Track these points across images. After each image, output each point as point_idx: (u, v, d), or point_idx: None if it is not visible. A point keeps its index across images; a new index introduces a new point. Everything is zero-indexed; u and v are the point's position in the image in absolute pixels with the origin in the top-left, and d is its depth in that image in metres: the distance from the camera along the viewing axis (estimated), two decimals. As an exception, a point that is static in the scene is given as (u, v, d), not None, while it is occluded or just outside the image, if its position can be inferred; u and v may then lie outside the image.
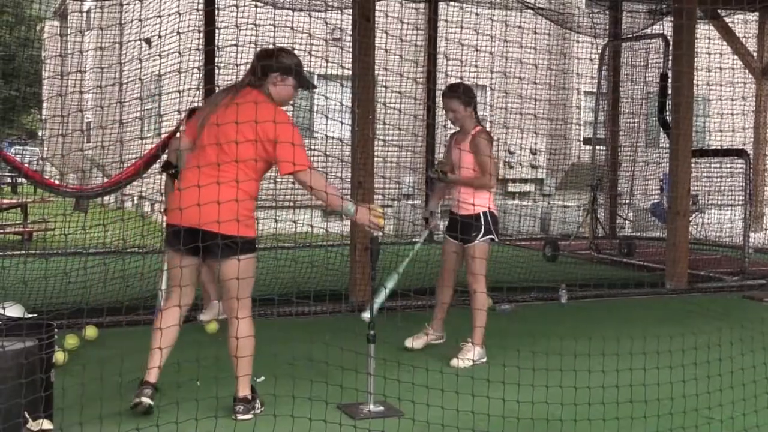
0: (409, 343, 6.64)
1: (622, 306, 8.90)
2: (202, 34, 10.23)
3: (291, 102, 5.35)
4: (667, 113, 11.17)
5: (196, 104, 8.10)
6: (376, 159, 8.46)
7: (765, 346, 6.52)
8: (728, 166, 12.68)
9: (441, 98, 6.45)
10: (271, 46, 5.39)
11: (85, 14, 21.30)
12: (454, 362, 6.18)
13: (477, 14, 9.42)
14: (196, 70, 10.11)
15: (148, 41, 14.56)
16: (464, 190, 6.29)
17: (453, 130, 6.66)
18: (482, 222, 6.23)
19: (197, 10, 10.84)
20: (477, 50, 7.82)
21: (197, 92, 10.24)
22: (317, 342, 6.19)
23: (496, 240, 6.37)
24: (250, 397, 4.93)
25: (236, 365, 4.89)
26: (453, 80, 6.96)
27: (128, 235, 11.07)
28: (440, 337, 6.73)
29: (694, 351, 5.40)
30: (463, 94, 6.30)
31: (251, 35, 8.49)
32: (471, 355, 6.24)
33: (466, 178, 6.29)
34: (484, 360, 6.28)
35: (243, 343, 4.86)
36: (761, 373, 5.46)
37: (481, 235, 6.24)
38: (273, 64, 4.99)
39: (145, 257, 9.45)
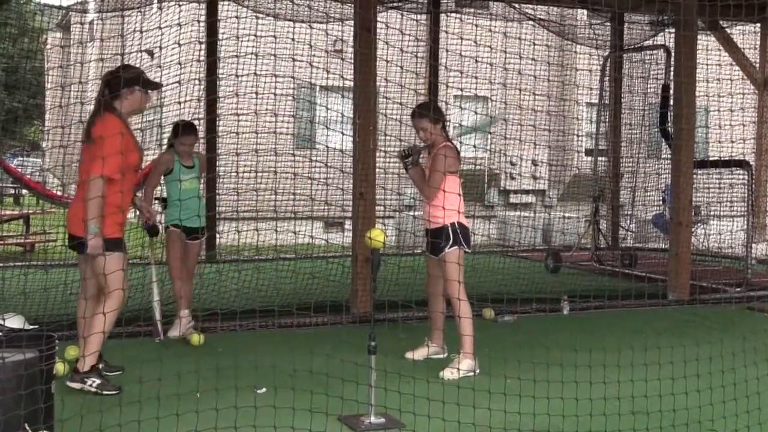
0: (410, 354, 6.63)
1: (624, 317, 8.87)
2: (203, 45, 10.26)
3: (147, 106, 6.05)
4: (669, 124, 11.16)
5: (180, 120, 8.00)
6: (377, 170, 8.46)
7: (768, 357, 6.51)
8: (730, 176, 12.64)
9: (411, 119, 6.56)
10: (113, 68, 5.92)
11: (87, 26, 21.34)
12: (441, 374, 6.11)
13: (478, 25, 9.42)
14: (197, 81, 10.15)
15: (149, 52, 14.60)
16: (433, 204, 6.41)
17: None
18: (450, 233, 6.33)
19: (198, 21, 10.86)
20: (477, 61, 7.83)
21: (198, 103, 10.26)
22: (318, 353, 6.17)
23: (467, 250, 6.44)
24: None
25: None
26: (454, 91, 6.99)
27: (129, 247, 11.04)
28: (440, 351, 6.69)
29: (696, 362, 5.39)
30: (431, 112, 6.49)
31: (252, 46, 8.53)
32: (460, 365, 6.15)
33: (418, 179, 6.50)
34: (476, 372, 6.16)
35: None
36: (765, 385, 5.44)
37: (449, 246, 6.33)
38: (118, 83, 5.55)
39: (146, 268, 9.41)
